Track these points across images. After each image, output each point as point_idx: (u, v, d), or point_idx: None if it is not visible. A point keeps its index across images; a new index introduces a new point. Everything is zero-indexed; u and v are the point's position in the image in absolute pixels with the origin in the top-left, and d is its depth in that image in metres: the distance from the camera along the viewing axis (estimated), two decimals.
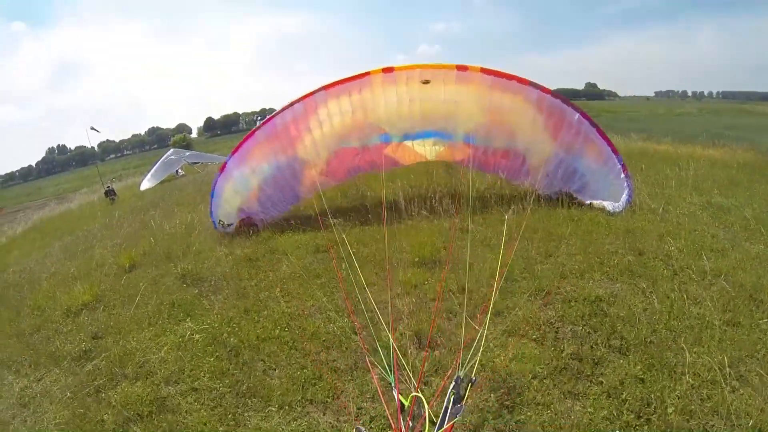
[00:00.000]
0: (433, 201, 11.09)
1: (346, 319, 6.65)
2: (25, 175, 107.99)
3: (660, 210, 10.10)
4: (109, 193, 28.87)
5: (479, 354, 4.47)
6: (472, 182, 12.09)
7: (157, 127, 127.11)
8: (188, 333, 6.96)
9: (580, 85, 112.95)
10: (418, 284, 7.50)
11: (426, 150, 11.23)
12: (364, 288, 5.80)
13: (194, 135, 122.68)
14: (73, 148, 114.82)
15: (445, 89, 9.84)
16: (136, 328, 7.47)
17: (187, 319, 7.48)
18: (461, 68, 9.62)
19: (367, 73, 9.94)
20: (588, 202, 10.41)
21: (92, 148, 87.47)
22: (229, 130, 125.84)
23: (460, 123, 10.22)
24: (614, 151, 10.19)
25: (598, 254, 8.06)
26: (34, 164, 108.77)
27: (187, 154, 41.74)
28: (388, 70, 9.74)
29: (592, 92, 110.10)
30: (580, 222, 9.61)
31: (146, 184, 33.44)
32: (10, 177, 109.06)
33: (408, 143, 11.10)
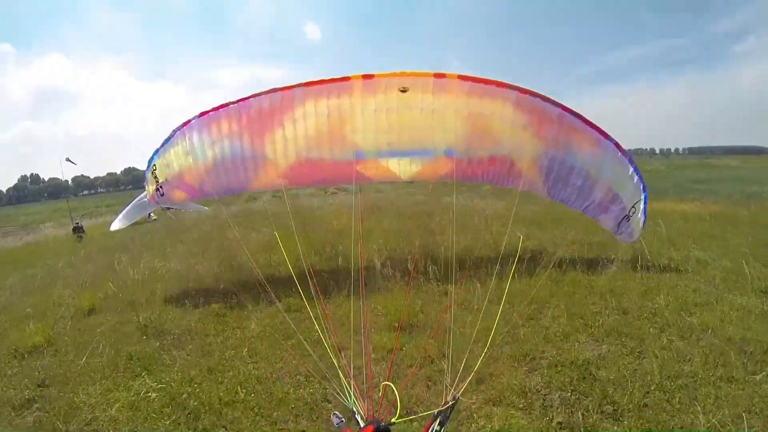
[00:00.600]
0: (410, 263, 10.80)
1: (317, 385, 6.18)
2: None
3: (639, 267, 10.12)
4: (78, 229, 27.90)
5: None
6: (452, 244, 11.80)
7: (134, 168, 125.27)
8: (144, 390, 6.37)
9: None
10: (394, 348, 7.18)
11: (401, 169, 10.66)
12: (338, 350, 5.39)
13: None
14: (46, 179, 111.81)
15: (423, 98, 9.56)
16: (88, 380, 6.87)
17: (145, 375, 6.89)
18: (439, 76, 9.40)
19: (348, 78, 9.55)
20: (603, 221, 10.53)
21: (66, 181, 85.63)
22: None
23: (439, 136, 9.85)
24: (604, 134, 10.05)
25: (582, 315, 7.92)
26: (4, 190, 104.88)
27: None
28: (368, 77, 9.38)
29: None
30: (561, 283, 9.52)
31: (117, 224, 32.41)
32: None
33: (383, 161, 10.56)
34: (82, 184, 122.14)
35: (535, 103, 9.63)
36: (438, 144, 9.96)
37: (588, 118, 9.74)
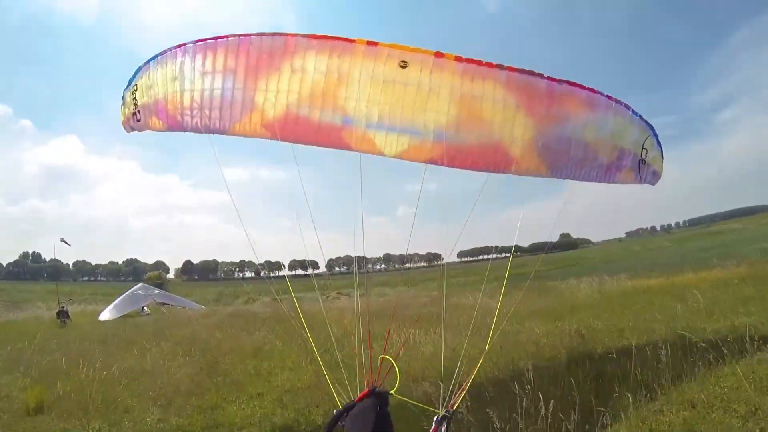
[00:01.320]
0: None
1: None
2: None
3: (688, 348, 9.02)
4: (62, 314, 27.02)
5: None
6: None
7: (135, 260, 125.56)
8: None
9: (554, 237, 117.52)
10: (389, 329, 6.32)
11: (387, 145, 9.97)
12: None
13: (171, 275, 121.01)
14: (47, 259, 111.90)
15: (421, 75, 9.29)
16: None
17: None
18: (438, 55, 9.16)
19: (353, 41, 9.29)
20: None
21: (66, 264, 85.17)
22: (207, 277, 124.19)
23: (431, 116, 9.49)
24: (593, 90, 9.51)
25: (643, 419, 6.78)
26: (4, 264, 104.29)
27: (156, 292, 39.84)
28: (372, 43, 9.15)
29: (567, 242, 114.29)
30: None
31: (106, 314, 31.47)
32: None
33: (370, 134, 9.91)
34: (82, 269, 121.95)
35: (523, 80, 9.28)
36: (428, 125, 9.57)
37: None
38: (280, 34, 9.32)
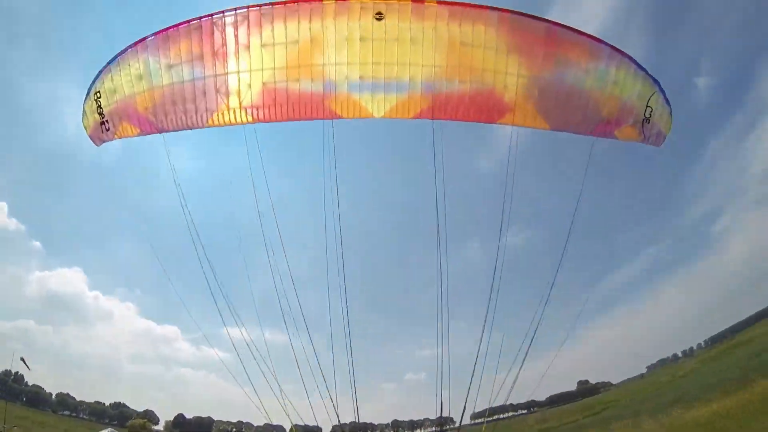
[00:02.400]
0: None
1: None
2: None
3: None
4: None
5: None
6: None
7: (123, 404, 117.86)
8: None
9: (572, 386, 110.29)
10: None
11: (374, 106, 9.49)
12: None
13: (160, 427, 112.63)
14: (30, 383, 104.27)
15: (400, 26, 8.66)
16: None
17: None
18: (417, 0, 8.61)
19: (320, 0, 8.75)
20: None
21: (49, 393, 79.47)
22: None
23: (416, 68, 8.94)
24: (597, 39, 9.14)
25: None
26: None
27: None
28: None
29: (586, 389, 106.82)
30: None
31: None
32: None
33: (355, 96, 9.42)
34: (64, 402, 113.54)
35: (518, 21, 8.86)
36: (415, 77, 9.09)
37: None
38: (242, 8, 8.91)
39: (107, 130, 9.86)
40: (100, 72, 9.54)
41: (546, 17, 9.11)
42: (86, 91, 9.81)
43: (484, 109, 9.54)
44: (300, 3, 8.69)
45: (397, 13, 8.72)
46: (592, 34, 9.35)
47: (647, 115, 9.78)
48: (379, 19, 8.73)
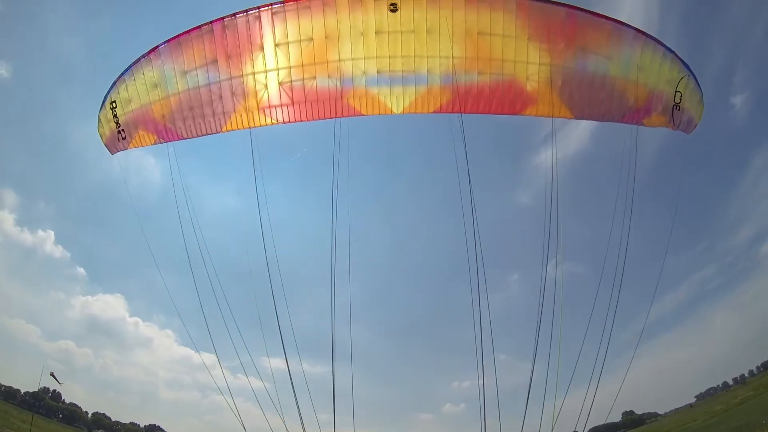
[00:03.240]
0: None
1: None
2: (7, 395, 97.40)
3: None
4: None
5: None
6: None
7: (158, 427, 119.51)
8: None
9: (616, 418, 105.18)
10: None
11: (393, 101, 9.32)
12: None
13: None
14: (68, 401, 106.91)
15: (415, 16, 8.45)
16: None
17: None
18: None
19: None
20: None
21: (85, 412, 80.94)
22: None
23: (434, 60, 8.76)
24: (620, 22, 8.66)
25: None
26: (22, 391, 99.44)
27: None
28: None
29: (631, 420, 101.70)
30: None
31: None
32: (9, 394, 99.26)
33: (373, 90, 9.27)
34: (100, 422, 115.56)
35: (538, 7, 8.50)
36: (433, 69, 8.90)
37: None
38: (253, 9, 8.79)
39: (123, 138, 9.82)
40: (115, 81, 9.54)
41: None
42: (101, 101, 9.81)
43: (507, 100, 9.27)
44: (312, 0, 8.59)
45: (411, 3, 8.55)
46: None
47: (677, 101, 9.20)
48: (393, 11, 8.54)
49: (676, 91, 9.08)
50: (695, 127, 9.86)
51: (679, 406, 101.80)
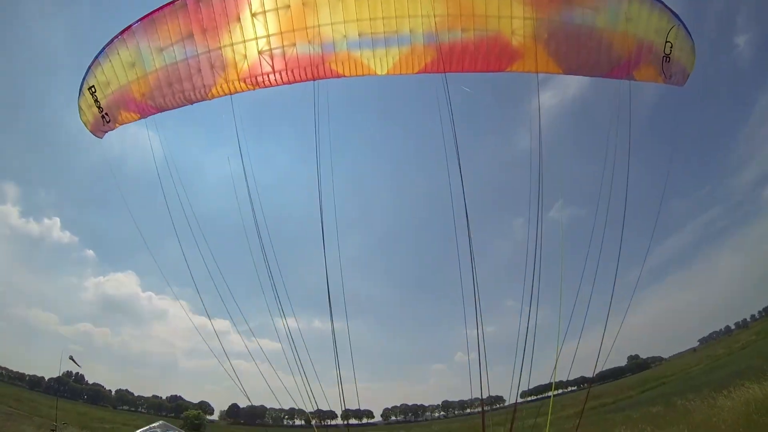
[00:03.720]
0: None
1: None
2: (33, 384, 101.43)
3: None
4: None
5: None
6: None
7: (180, 397, 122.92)
8: None
9: (622, 362, 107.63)
10: None
11: (377, 63, 9.19)
12: None
13: (215, 417, 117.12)
14: (91, 382, 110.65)
15: None
16: None
17: None
18: None
19: None
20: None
21: (109, 390, 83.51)
22: (254, 422, 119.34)
23: (416, 20, 8.61)
24: None
25: None
26: (46, 378, 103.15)
27: None
28: None
29: (636, 364, 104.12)
30: None
31: None
32: (19, 377, 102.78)
33: (356, 54, 9.13)
34: (124, 398, 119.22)
35: None
36: (416, 29, 8.74)
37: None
38: None
39: (108, 122, 9.73)
40: (90, 66, 9.33)
41: None
42: (78, 88, 9.60)
43: (493, 57, 9.09)
44: None
45: None
46: None
47: (667, 52, 8.96)
48: None
49: (666, 41, 8.90)
50: (687, 77, 9.66)
51: (683, 350, 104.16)
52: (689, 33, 9.15)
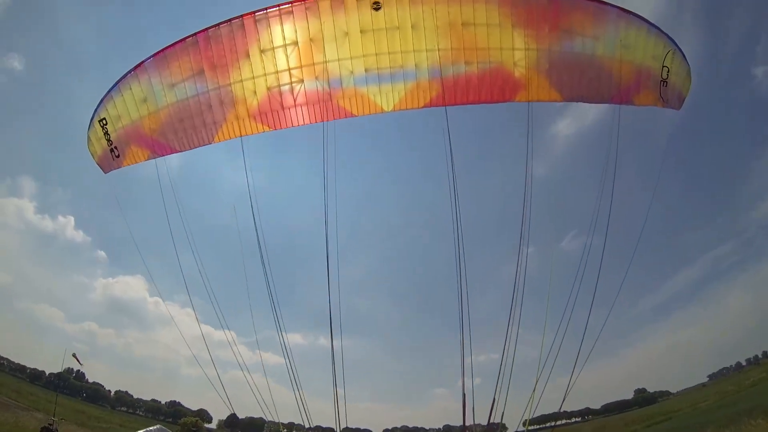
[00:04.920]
0: None
1: None
2: (33, 377, 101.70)
3: None
4: (46, 431, 24.10)
5: None
6: None
7: (179, 403, 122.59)
8: None
9: (629, 395, 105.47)
10: None
11: (383, 99, 9.44)
12: None
13: (213, 425, 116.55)
14: (91, 381, 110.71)
15: (399, 14, 8.52)
16: None
17: None
18: None
19: None
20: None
21: (108, 390, 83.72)
22: None
23: (421, 54, 8.86)
24: (601, 2, 8.61)
25: None
26: (47, 372, 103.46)
27: None
28: None
29: (643, 398, 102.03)
30: None
31: None
32: (20, 369, 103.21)
33: (362, 89, 9.39)
34: (122, 399, 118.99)
35: None
36: (420, 64, 8.97)
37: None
38: (236, 18, 8.86)
39: (117, 156, 9.88)
40: (102, 99, 9.56)
41: None
42: (89, 119, 9.82)
43: (496, 88, 9.33)
44: (294, 4, 8.64)
45: (394, 0, 8.60)
46: None
47: (664, 76, 9.18)
48: (376, 9, 8.61)
49: (663, 66, 9.08)
50: (683, 101, 9.81)
51: (691, 385, 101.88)
52: (685, 57, 9.34)
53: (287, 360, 9.29)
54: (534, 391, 8.53)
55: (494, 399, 8.69)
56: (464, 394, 8.58)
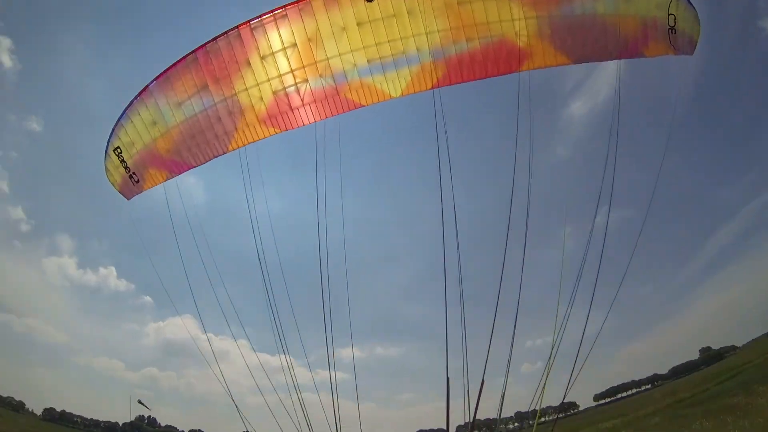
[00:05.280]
0: None
1: None
2: (108, 430, 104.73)
3: None
4: None
5: None
6: None
7: None
8: None
9: (694, 355, 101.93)
10: None
11: (390, 86, 9.41)
12: None
13: None
14: (163, 425, 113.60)
15: (393, 2, 8.47)
16: None
17: None
18: None
19: None
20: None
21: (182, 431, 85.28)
22: None
23: (421, 38, 8.79)
24: None
25: None
26: (120, 423, 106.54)
27: None
28: None
29: (709, 356, 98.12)
30: None
31: None
32: (95, 424, 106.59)
33: (368, 80, 9.35)
34: None
35: None
36: (422, 47, 8.92)
37: None
38: (232, 29, 8.94)
39: (136, 182, 10.09)
40: (114, 128, 9.77)
41: None
42: (104, 150, 10.02)
43: (502, 61, 9.24)
44: (287, 7, 8.69)
45: None
46: None
47: (671, 24, 8.96)
48: (369, 0, 8.64)
49: (668, 14, 8.90)
50: (695, 46, 9.62)
51: (758, 335, 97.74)
52: (690, 2, 9.12)
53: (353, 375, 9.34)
54: (579, 370, 8.68)
55: (569, 379, 8.83)
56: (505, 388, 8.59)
